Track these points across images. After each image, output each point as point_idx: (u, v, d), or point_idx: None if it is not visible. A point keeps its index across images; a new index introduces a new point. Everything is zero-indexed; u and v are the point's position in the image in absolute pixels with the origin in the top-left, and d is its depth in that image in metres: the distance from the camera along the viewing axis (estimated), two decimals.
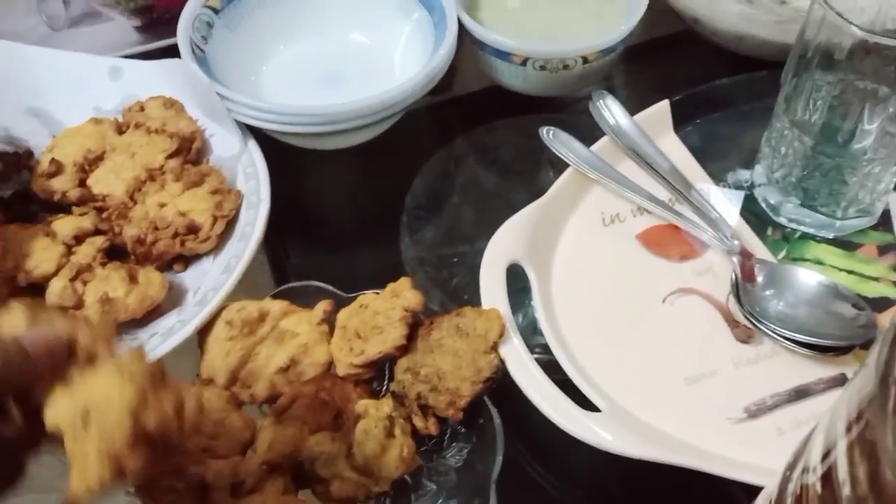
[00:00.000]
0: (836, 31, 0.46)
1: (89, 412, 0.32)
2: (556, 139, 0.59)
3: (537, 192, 0.55)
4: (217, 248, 0.52)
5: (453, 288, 0.55)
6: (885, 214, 0.56)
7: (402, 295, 0.48)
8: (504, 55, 0.61)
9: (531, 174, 0.62)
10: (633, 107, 0.60)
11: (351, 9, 0.66)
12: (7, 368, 0.31)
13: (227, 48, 0.62)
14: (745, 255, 0.51)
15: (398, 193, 0.60)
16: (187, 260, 0.54)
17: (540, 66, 0.61)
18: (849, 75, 0.49)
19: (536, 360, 0.46)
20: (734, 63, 0.66)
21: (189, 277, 0.53)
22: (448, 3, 0.61)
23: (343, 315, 0.49)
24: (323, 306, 0.49)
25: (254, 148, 0.56)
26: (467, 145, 0.64)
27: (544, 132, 0.59)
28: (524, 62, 0.61)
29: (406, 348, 0.47)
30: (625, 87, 0.70)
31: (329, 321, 0.49)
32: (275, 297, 0.51)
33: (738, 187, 0.58)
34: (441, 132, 0.68)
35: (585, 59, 0.61)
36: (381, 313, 0.48)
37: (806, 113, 0.51)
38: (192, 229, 0.52)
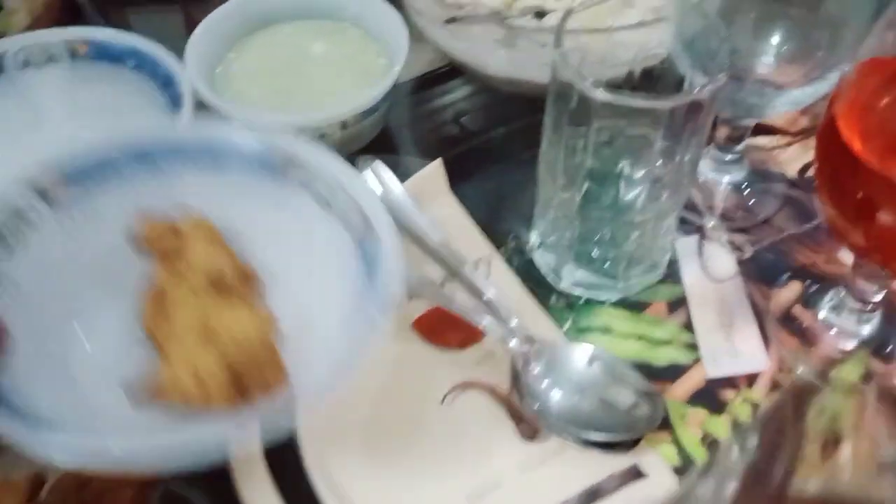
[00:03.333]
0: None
1: (216, 332, 0.36)
2: None
3: None
4: None
5: None
6: (674, 264, 0.52)
7: None
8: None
9: None
10: (408, 163, 0.56)
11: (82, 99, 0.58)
12: None
13: None
14: (523, 339, 0.46)
15: None
16: None
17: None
18: (610, 122, 0.45)
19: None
20: (518, 103, 0.61)
21: None
22: (181, 80, 0.54)
23: None
24: None
25: None
26: None
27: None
28: None
29: None
30: (396, 138, 0.64)
31: None
32: None
33: (520, 252, 0.53)
34: None
35: (344, 125, 0.55)
36: None
37: (568, 171, 0.47)
38: None
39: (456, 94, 0.66)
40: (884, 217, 0.38)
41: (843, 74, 0.40)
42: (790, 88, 0.48)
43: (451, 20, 0.55)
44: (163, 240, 0.40)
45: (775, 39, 0.48)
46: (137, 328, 0.41)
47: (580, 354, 0.46)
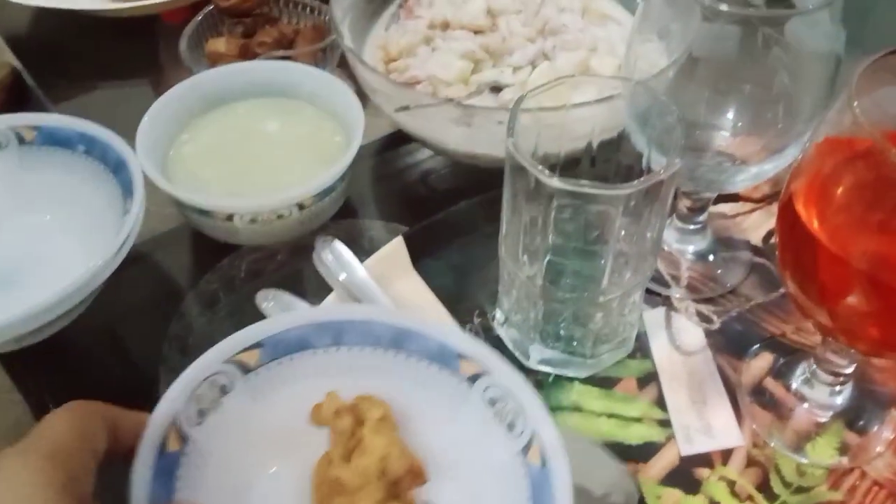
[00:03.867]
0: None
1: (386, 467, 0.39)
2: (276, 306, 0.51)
3: None
4: None
5: None
6: (642, 337, 0.51)
7: None
8: (205, 213, 0.53)
9: None
10: (371, 230, 0.55)
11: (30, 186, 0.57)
12: None
13: None
14: None
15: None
16: None
17: (250, 219, 0.53)
18: (569, 201, 0.44)
19: None
20: (481, 174, 0.60)
21: None
22: (132, 164, 0.53)
23: None
24: None
25: None
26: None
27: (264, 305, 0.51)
28: (230, 218, 0.53)
29: None
30: (359, 204, 0.63)
31: None
32: None
33: (487, 328, 0.52)
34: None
35: (301, 206, 0.54)
36: None
37: (528, 248, 0.46)
38: None
39: (417, 158, 0.66)
40: (845, 298, 0.37)
41: (802, 151, 0.40)
42: (749, 164, 0.47)
43: (404, 108, 0.54)
44: (341, 420, 0.41)
45: (731, 113, 0.48)
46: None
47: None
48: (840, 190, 0.38)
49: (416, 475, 0.40)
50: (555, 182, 0.39)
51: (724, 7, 0.42)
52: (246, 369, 0.42)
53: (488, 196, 0.59)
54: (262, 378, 0.43)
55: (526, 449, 0.39)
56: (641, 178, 0.39)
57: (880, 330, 0.38)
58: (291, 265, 0.58)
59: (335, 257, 0.53)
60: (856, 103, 0.35)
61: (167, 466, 0.38)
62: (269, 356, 0.43)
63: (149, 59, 0.76)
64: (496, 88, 0.60)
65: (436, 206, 0.61)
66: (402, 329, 0.44)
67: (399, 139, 0.66)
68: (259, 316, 0.52)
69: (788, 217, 0.38)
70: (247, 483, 0.41)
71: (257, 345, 0.43)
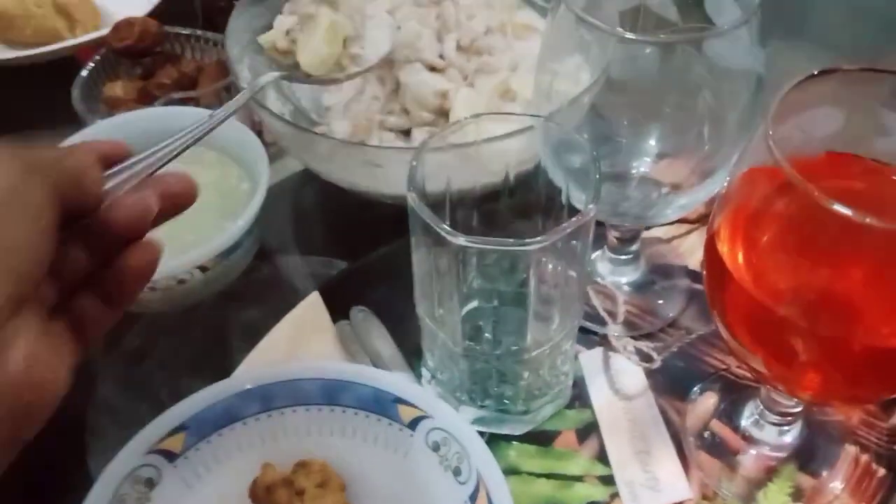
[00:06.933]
0: None
1: None
2: None
3: None
4: None
5: None
6: (581, 382, 0.48)
7: None
8: None
9: None
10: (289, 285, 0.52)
11: None
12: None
13: None
14: None
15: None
16: None
17: (148, 287, 0.48)
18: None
19: None
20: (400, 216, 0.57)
21: None
22: None
23: None
24: None
25: None
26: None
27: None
28: None
29: None
30: (274, 252, 0.59)
31: None
32: None
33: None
34: None
35: (204, 268, 0.49)
36: None
37: (443, 307, 0.42)
38: None
39: (331, 197, 0.61)
40: (777, 346, 0.34)
41: (726, 181, 0.36)
42: (678, 193, 0.44)
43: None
44: (278, 496, 0.39)
45: (655, 137, 0.44)
46: None
47: None
48: (768, 224, 0.35)
49: None
50: (460, 240, 0.35)
51: (631, 36, 0.38)
52: (172, 456, 0.40)
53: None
54: (192, 462, 0.40)
55: (473, 496, 0.38)
56: (552, 230, 0.35)
57: (821, 379, 0.35)
58: (215, 318, 0.54)
59: (368, 329, 0.49)
60: (770, 132, 0.32)
61: None
62: (195, 437, 0.40)
63: (48, 107, 0.71)
64: (406, 132, 0.57)
65: (362, 242, 0.57)
66: (333, 382, 0.42)
67: (311, 176, 0.62)
68: (189, 368, 0.49)
69: (713, 254, 0.35)
70: None
71: (181, 427, 0.40)
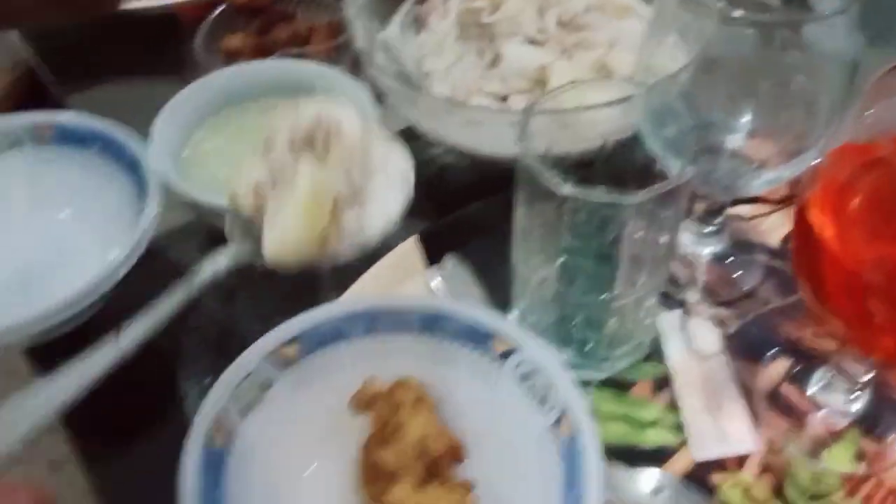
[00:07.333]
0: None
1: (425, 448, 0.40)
2: None
3: None
4: None
5: None
6: (657, 340, 0.51)
7: None
8: (219, 214, 0.53)
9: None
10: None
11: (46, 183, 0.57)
12: None
13: None
14: None
15: None
16: None
17: None
18: (583, 202, 0.43)
19: None
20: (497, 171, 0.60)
21: None
22: (147, 165, 0.53)
23: None
24: None
25: None
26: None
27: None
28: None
29: None
30: None
31: None
32: None
33: None
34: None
35: None
36: None
37: (544, 250, 0.45)
38: None
39: (432, 154, 0.65)
40: (859, 309, 0.36)
41: (819, 156, 0.39)
42: (766, 168, 0.47)
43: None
44: (379, 406, 0.43)
45: (748, 115, 0.47)
46: (354, 490, 0.43)
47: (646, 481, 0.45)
48: (856, 198, 0.38)
49: (455, 454, 0.41)
50: (565, 189, 0.39)
51: (737, 14, 0.41)
52: (286, 363, 0.44)
53: (506, 194, 0.59)
54: (302, 370, 0.44)
55: (557, 423, 0.41)
56: (653, 186, 0.38)
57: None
58: None
59: (455, 276, 0.53)
60: (868, 112, 0.34)
61: (214, 462, 0.40)
62: (306, 349, 0.44)
63: (166, 57, 0.76)
64: (504, 98, 0.60)
65: (452, 202, 0.61)
66: (433, 313, 0.45)
67: (413, 134, 0.66)
68: (278, 307, 0.53)
69: (803, 224, 0.38)
70: (293, 472, 0.43)
71: (295, 339, 0.44)
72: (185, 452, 0.39)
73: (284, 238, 0.33)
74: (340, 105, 0.35)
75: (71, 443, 0.51)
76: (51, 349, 0.51)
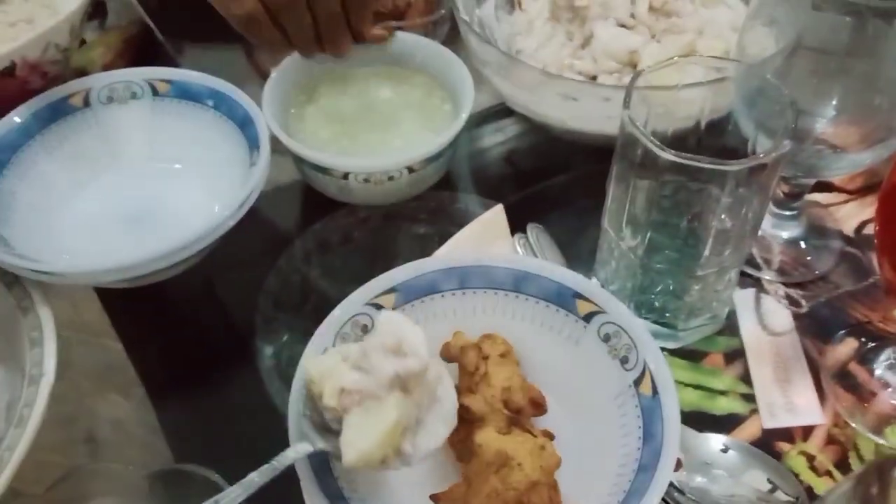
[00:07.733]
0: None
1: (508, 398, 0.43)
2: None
3: None
4: None
5: None
6: (731, 316, 0.53)
7: None
8: (323, 170, 0.57)
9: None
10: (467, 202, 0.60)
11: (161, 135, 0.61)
12: None
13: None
14: None
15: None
16: None
17: (363, 178, 0.57)
18: (675, 177, 0.46)
19: None
20: (576, 149, 0.63)
21: None
22: (259, 121, 0.57)
23: None
24: None
25: (42, 305, 0.50)
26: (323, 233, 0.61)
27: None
28: (345, 176, 0.56)
29: None
30: (456, 176, 0.66)
31: None
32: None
33: None
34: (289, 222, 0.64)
35: (411, 169, 0.57)
36: None
37: (633, 222, 0.48)
38: None
39: (514, 133, 0.68)
40: None
41: None
42: (850, 152, 0.49)
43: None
44: (467, 356, 0.46)
45: (835, 102, 0.49)
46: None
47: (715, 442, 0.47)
48: None
49: (537, 406, 0.44)
50: (667, 155, 0.41)
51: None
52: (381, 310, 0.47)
53: (585, 171, 0.62)
54: None
55: (638, 381, 0.43)
56: (750, 156, 0.41)
57: None
58: (382, 231, 0.62)
59: (539, 242, 0.56)
60: None
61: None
62: (402, 299, 0.48)
63: None
64: (593, 78, 0.63)
65: (530, 180, 0.64)
66: (522, 273, 0.48)
67: (497, 113, 0.69)
68: (352, 273, 0.56)
69: (891, 203, 0.40)
70: None
71: (393, 289, 0.47)
72: (292, 394, 0.42)
73: (360, 448, 0.38)
74: (415, 334, 0.40)
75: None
76: (129, 298, 0.55)
